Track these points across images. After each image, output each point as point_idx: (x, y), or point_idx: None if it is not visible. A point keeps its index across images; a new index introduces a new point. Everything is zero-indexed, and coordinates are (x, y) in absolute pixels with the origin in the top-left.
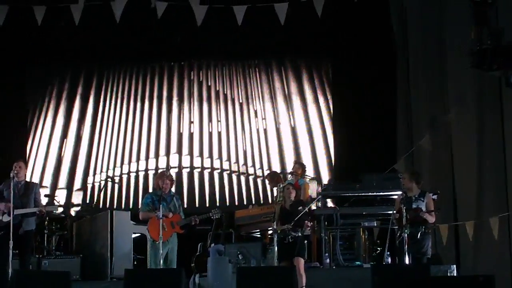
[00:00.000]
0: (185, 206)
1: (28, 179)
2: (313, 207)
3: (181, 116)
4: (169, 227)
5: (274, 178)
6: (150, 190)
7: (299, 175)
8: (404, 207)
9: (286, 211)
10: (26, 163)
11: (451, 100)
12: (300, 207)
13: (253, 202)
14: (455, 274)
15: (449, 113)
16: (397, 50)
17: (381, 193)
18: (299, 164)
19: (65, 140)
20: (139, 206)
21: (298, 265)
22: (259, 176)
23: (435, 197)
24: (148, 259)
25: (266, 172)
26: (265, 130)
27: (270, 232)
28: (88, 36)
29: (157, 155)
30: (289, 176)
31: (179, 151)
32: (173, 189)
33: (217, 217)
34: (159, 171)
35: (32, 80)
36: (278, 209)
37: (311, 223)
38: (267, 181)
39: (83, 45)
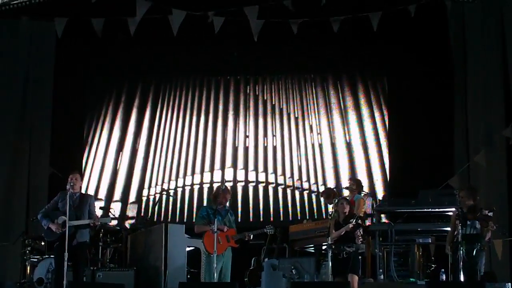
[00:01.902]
0: (239, 220)
1: (83, 191)
2: (368, 222)
3: (237, 130)
4: (224, 241)
5: (330, 195)
6: (205, 203)
7: (354, 191)
8: (460, 224)
9: (339, 225)
10: (81, 175)
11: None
12: (352, 220)
13: (307, 217)
14: None
15: (507, 128)
16: (454, 64)
17: (436, 209)
18: (353, 180)
19: (121, 153)
20: (194, 219)
21: (352, 282)
22: (314, 191)
23: (491, 214)
24: (202, 272)
25: (321, 187)
26: (320, 145)
27: (324, 247)
28: (145, 49)
29: (212, 169)
30: (344, 191)
31: (234, 165)
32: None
33: (270, 233)
34: (216, 185)
35: (89, 93)
36: (332, 224)
37: (362, 235)
38: (322, 198)
39: (141, 58)
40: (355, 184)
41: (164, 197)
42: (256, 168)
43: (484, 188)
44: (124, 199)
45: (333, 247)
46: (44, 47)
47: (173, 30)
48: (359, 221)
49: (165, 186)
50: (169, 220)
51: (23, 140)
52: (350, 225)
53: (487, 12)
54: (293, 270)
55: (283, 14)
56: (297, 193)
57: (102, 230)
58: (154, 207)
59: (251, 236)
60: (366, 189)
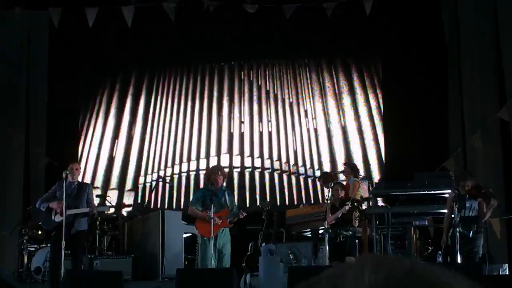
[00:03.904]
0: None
1: (80, 179)
2: (364, 206)
3: (232, 116)
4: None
5: (327, 179)
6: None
7: (349, 175)
8: (456, 206)
9: (335, 209)
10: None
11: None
12: (348, 203)
13: (304, 202)
14: (507, 273)
15: (501, 109)
16: (448, 47)
17: (432, 192)
18: (348, 165)
19: (116, 140)
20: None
21: None
22: (310, 176)
23: None
24: (198, 255)
25: (317, 172)
26: (315, 130)
27: (321, 231)
28: (139, 37)
29: (207, 155)
30: (341, 176)
31: (230, 151)
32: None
33: (266, 208)
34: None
35: (83, 82)
36: (328, 208)
37: (358, 217)
38: (319, 183)
39: (134, 46)
40: (350, 168)
41: (160, 184)
42: (251, 154)
43: (479, 170)
44: (121, 187)
45: (330, 231)
46: (37, 37)
47: (170, 16)
48: (355, 204)
49: (161, 173)
50: (165, 207)
51: (18, 129)
52: (346, 207)
53: None
54: (290, 255)
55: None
56: (293, 178)
57: (99, 218)
58: (150, 194)
59: (244, 214)
60: (361, 172)
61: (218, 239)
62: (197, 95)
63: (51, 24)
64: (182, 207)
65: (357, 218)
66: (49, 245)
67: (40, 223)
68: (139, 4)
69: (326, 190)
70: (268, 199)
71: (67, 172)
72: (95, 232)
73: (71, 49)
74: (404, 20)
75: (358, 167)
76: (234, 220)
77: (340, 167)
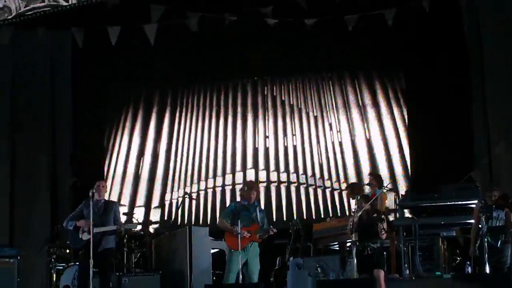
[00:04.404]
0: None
1: (106, 197)
2: (391, 218)
3: (256, 131)
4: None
5: (354, 190)
6: (227, 205)
7: (374, 187)
8: (483, 216)
9: (362, 221)
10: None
11: None
12: (375, 215)
13: (331, 215)
14: None
15: None
16: (470, 57)
17: (459, 202)
18: (373, 176)
19: (142, 158)
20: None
21: (379, 277)
22: (336, 189)
23: None
24: (225, 268)
25: (343, 185)
26: (340, 143)
27: (348, 244)
28: (162, 54)
29: (233, 171)
30: (367, 188)
31: (255, 166)
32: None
33: (296, 228)
34: (238, 187)
35: (108, 100)
36: (355, 220)
37: (384, 229)
38: (346, 193)
39: (157, 64)
40: (375, 179)
41: (187, 200)
42: (277, 168)
43: (505, 180)
44: (147, 204)
45: (358, 244)
46: (61, 57)
47: (191, 28)
48: (381, 216)
49: (188, 189)
50: (192, 223)
51: (44, 148)
52: (366, 206)
53: (501, 4)
54: (318, 269)
55: (297, 13)
56: (319, 191)
57: (126, 236)
58: (177, 210)
59: (275, 230)
60: (387, 184)
61: (246, 252)
62: (222, 111)
63: (74, 44)
64: (209, 222)
65: (383, 230)
66: (77, 263)
67: (68, 242)
68: (161, 22)
69: (352, 202)
70: (295, 217)
71: (94, 190)
72: (122, 250)
73: (95, 68)
74: (425, 31)
75: (383, 178)
76: (264, 236)
77: (365, 179)
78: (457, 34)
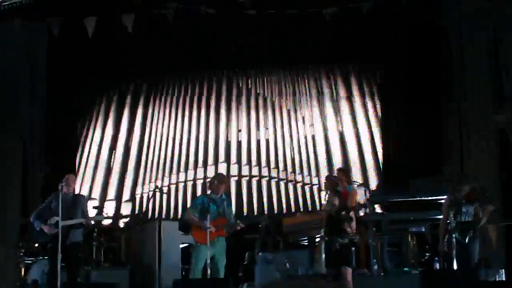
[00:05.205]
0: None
1: (77, 191)
2: (361, 213)
3: (229, 124)
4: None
5: (332, 184)
6: None
7: (343, 182)
8: (453, 212)
9: (332, 217)
10: (76, 177)
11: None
12: (343, 212)
13: (301, 210)
14: (503, 279)
15: (500, 114)
16: (449, 53)
17: (429, 198)
18: (342, 171)
19: (114, 151)
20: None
21: (345, 274)
22: (307, 183)
23: None
24: (192, 262)
25: (314, 179)
26: (313, 136)
27: (317, 239)
28: (137, 46)
29: (205, 164)
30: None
31: (227, 159)
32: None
33: (263, 223)
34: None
35: (81, 93)
36: (325, 216)
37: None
38: (324, 184)
39: (131, 56)
40: (344, 175)
41: (157, 194)
42: (249, 162)
43: (477, 175)
44: (118, 198)
45: (326, 238)
46: (36, 48)
47: (170, 22)
48: (349, 214)
49: (159, 183)
50: (163, 217)
51: (16, 140)
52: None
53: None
54: (287, 264)
55: (274, 6)
56: (290, 185)
57: (95, 230)
58: (147, 204)
59: (242, 225)
60: (359, 179)
61: (212, 247)
62: (195, 104)
63: (50, 35)
64: (179, 217)
65: (350, 228)
66: (45, 257)
67: (34, 236)
68: (139, 12)
69: (323, 197)
70: (265, 210)
71: (63, 184)
72: (92, 244)
73: (69, 60)
74: (402, 25)
75: (353, 173)
76: (231, 230)
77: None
78: (434, 28)
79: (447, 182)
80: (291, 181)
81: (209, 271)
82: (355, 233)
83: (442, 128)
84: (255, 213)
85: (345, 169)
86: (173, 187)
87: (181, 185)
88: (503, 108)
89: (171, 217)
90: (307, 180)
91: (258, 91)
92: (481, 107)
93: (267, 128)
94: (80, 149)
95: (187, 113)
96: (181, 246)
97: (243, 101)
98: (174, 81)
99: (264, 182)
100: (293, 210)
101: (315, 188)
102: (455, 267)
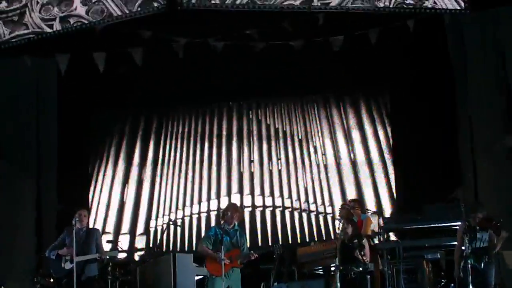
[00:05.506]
0: (248, 245)
1: (91, 225)
2: (376, 241)
3: (241, 155)
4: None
5: (348, 214)
6: None
7: (357, 210)
8: (467, 238)
9: (345, 246)
10: (89, 211)
11: None
12: (356, 241)
13: (315, 239)
14: None
15: (509, 136)
16: (455, 77)
17: (442, 224)
18: (355, 201)
19: (126, 185)
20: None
21: None
22: (321, 213)
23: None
24: None
25: (328, 208)
26: (325, 166)
27: (332, 268)
28: (146, 80)
29: (218, 196)
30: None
31: (240, 190)
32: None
33: (278, 252)
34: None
35: (93, 126)
36: (339, 245)
37: (363, 255)
38: (339, 213)
39: (141, 90)
40: (357, 203)
41: (171, 227)
42: (262, 193)
43: (491, 200)
44: (132, 231)
45: (341, 268)
46: (46, 84)
47: (179, 54)
48: (362, 242)
49: (172, 216)
50: (177, 249)
51: (29, 177)
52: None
53: (484, 22)
54: None
55: (282, 37)
56: (304, 215)
57: (110, 264)
58: (162, 237)
59: (256, 255)
60: (373, 207)
61: (227, 278)
62: (206, 135)
63: (59, 71)
64: (193, 249)
65: (363, 256)
66: None
67: (51, 271)
68: (147, 47)
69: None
70: (280, 240)
71: (76, 219)
72: (107, 277)
73: (79, 95)
74: (410, 51)
75: (367, 201)
76: (245, 261)
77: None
78: (442, 53)
79: (460, 208)
80: (304, 210)
81: None
82: (370, 262)
83: (456, 153)
84: (270, 243)
85: (356, 199)
86: (187, 219)
87: (194, 217)
88: None
89: (185, 250)
90: (320, 209)
91: (268, 122)
92: (492, 128)
93: (279, 158)
94: (93, 183)
95: (198, 145)
96: (196, 278)
97: (254, 132)
98: (184, 113)
99: (277, 212)
100: (307, 239)
101: (328, 217)
102: None
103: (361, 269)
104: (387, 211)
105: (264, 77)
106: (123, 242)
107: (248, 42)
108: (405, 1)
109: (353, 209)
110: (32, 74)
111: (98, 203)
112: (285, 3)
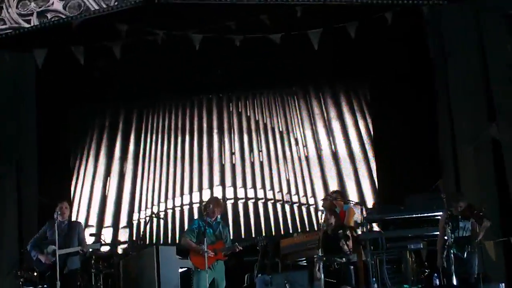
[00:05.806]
0: (231, 237)
1: (74, 219)
2: (359, 231)
3: (222, 148)
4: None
5: (331, 205)
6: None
7: (339, 202)
8: (449, 227)
9: (328, 236)
10: (70, 204)
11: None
12: (340, 231)
13: (298, 230)
14: None
15: (492, 126)
16: (435, 68)
17: (425, 214)
18: (337, 192)
19: (108, 178)
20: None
21: None
22: (303, 204)
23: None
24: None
25: (310, 199)
26: (306, 157)
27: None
28: (126, 73)
29: (200, 188)
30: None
31: (222, 183)
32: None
33: (262, 244)
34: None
35: (73, 121)
36: (321, 235)
37: (347, 244)
38: (322, 204)
39: (121, 83)
40: (340, 195)
41: (154, 219)
42: (244, 185)
43: (473, 189)
44: (115, 224)
45: (324, 258)
46: (25, 79)
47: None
48: (346, 232)
49: (155, 209)
50: (161, 242)
51: (9, 171)
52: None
53: (463, 13)
54: (286, 285)
55: (261, 29)
56: (286, 207)
57: (93, 257)
58: (144, 230)
59: (240, 247)
60: (355, 198)
61: (212, 271)
62: (187, 128)
63: (37, 66)
64: (176, 241)
65: (346, 246)
66: (44, 286)
67: (33, 265)
68: (126, 40)
69: (320, 217)
70: (263, 232)
71: (58, 212)
72: (90, 271)
73: (58, 90)
74: (389, 44)
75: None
76: (229, 253)
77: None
78: (421, 44)
79: (442, 198)
80: (287, 202)
81: None
82: (353, 252)
83: (436, 142)
84: (253, 235)
85: (339, 190)
86: (169, 212)
87: (177, 210)
88: (494, 119)
89: (169, 242)
90: (303, 200)
91: (248, 114)
92: (473, 119)
93: (260, 150)
94: (75, 177)
95: (180, 137)
96: (180, 270)
97: (235, 125)
98: (164, 106)
99: (260, 204)
100: (290, 231)
101: (311, 208)
102: (454, 282)
103: (344, 259)
104: (369, 202)
105: (244, 70)
106: (106, 235)
107: (227, 35)
108: None
109: (336, 200)
110: (10, 69)
111: (80, 196)
112: None
